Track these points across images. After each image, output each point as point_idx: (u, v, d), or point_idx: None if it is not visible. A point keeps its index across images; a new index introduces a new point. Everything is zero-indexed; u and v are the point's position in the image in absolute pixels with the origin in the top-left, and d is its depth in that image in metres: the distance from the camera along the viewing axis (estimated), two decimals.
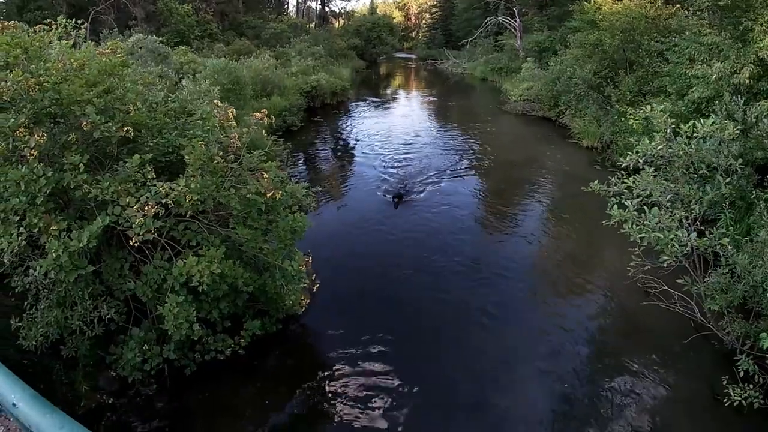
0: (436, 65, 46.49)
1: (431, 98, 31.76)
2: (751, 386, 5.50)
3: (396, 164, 15.29)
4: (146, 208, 4.52)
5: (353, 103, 27.03)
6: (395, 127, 21.35)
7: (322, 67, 27.40)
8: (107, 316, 5.24)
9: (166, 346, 5.72)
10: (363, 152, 17.08)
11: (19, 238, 4.19)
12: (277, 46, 29.35)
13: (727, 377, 5.83)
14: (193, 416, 5.91)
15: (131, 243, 4.65)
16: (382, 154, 16.67)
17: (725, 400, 5.58)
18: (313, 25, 44.32)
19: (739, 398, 5.45)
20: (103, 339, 5.72)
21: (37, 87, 4.39)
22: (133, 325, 5.99)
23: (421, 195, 12.64)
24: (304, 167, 15.48)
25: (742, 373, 5.66)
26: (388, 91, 35.26)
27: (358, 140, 18.75)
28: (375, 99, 30.03)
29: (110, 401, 5.63)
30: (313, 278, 6.41)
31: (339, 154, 17.55)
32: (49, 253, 4.29)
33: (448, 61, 43.07)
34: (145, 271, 5.74)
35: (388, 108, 27.91)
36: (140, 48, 14.09)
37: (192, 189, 4.88)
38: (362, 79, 38.12)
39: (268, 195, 5.72)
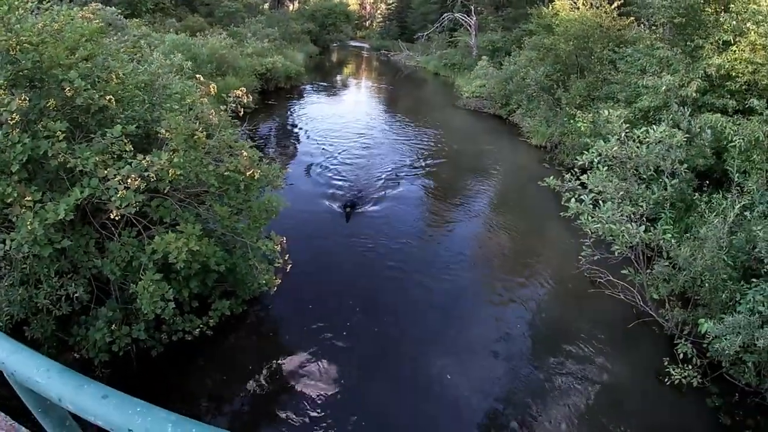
0: (390, 56, 46.27)
1: (385, 88, 31.83)
2: (690, 367, 6.16)
3: (351, 154, 15.27)
4: (129, 181, 4.32)
5: (307, 88, 26.63)
6: (349, 115, 21.35)
7: (276, 50, 26.70)
8: (75, 294, 4.97)
9: (135, 326, 5.53)
10: (317, 139, 16.89)
11: None
12: (231, 25, 28.18)
13: (667, 359, 6.47)
14: (161, 397, 5.76)
15: (112, 217, 4.43)
16: (336, 141, 16.59)
17: (666, 379, 6.20)
18: (266, 6, 42.89)
19: (680, 377, 6.08)
20: (62, 320, 5.44)
21: (17, 47, 4.05)
22: (95, 304, 5.73)
23: (377, 191, 12.60)
24: (259, 151, 15.11)
25: (681, 356, 6.30)
26: (342, 79, 34.96)
27: (312, 126, 18.52)
28: (329, 85, 29.74)
29: None
30: (286, 258, 6.40)
31: (294, 139, 17.33)
32: (22, 225, 4.01)
33: (401, 53, 43.08)
34: (111, 248, 5.50)
35: (342, 95, 27.76)
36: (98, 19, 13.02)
37: (175, 163, 4.72)
38: (315, 64, 37.46)
39: (247, 173, 5.64)
